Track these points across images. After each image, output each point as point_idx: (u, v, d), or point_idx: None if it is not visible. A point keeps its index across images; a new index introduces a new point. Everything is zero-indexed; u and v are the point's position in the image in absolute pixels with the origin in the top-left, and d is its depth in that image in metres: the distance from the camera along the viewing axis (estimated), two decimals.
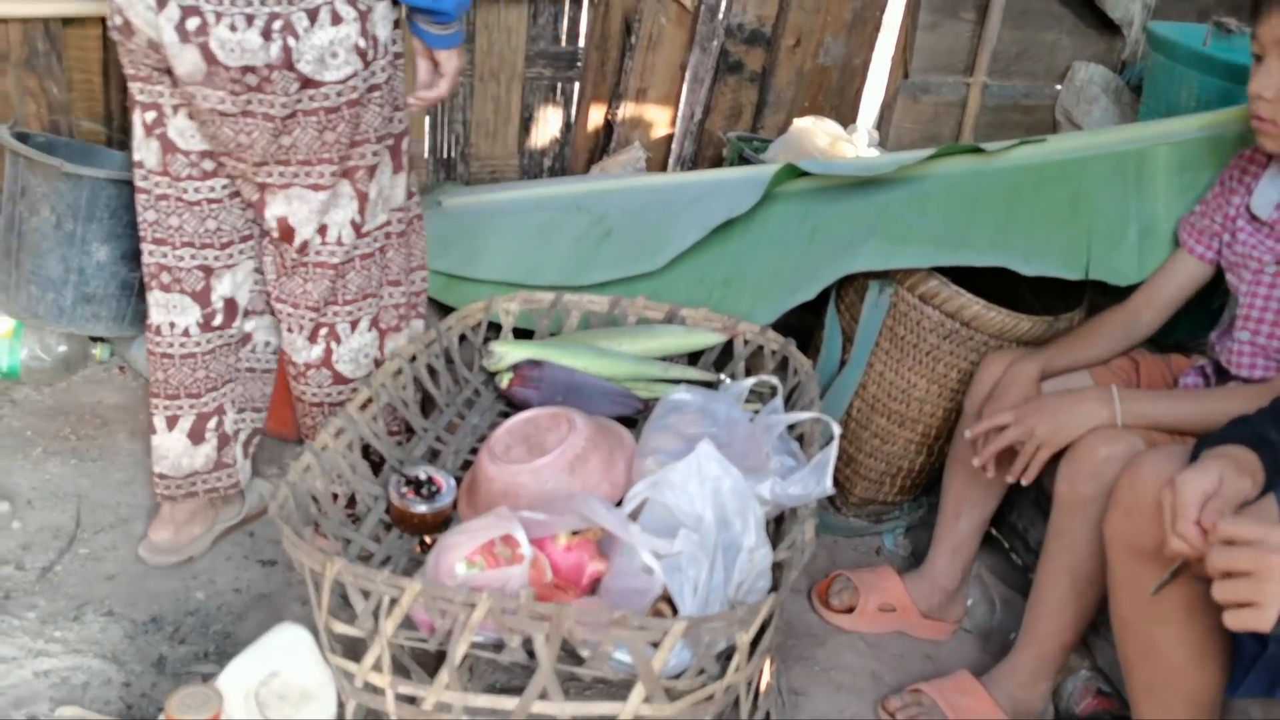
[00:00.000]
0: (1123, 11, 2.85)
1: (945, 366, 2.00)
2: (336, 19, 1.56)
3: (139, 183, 1.76)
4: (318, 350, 1.83)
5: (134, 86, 1.69)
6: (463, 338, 1.97)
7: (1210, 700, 1.42)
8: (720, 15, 2.88)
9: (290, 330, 1.84)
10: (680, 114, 3.01)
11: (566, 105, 2.96)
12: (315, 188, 1.68)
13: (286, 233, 1.73)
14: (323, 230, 1.74)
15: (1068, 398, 1.65)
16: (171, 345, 1.83)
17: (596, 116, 3.00)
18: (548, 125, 2.96)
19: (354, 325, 1.83)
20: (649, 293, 2.13)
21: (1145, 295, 1.84)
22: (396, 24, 1.68)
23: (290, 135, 1.62)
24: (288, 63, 1.55)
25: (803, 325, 2.17)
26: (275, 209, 1.71)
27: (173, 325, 1.82)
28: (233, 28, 1.52)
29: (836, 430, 1.52)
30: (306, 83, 1.57)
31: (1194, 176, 1.94)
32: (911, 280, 1.96)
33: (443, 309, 2.31)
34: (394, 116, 1.74)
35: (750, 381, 1.78)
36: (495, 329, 2.01)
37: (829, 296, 2.14)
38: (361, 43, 1.59)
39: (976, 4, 2.87)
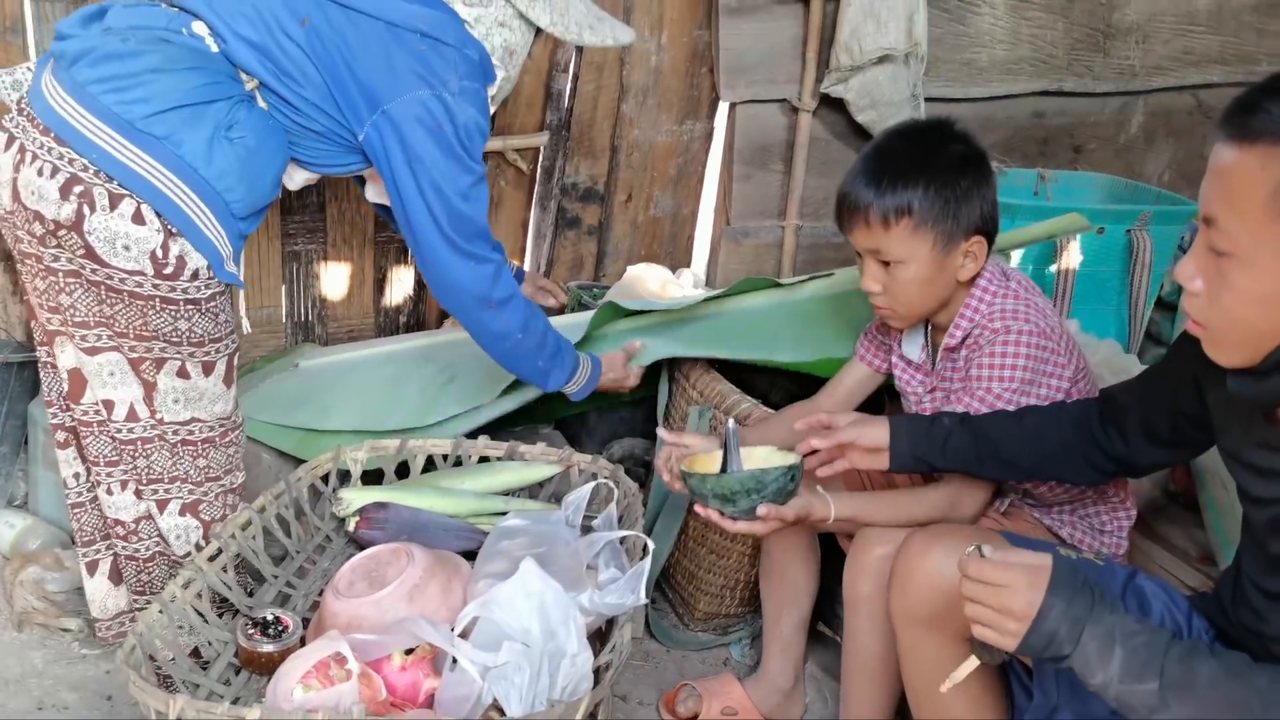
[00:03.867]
0: None
1: None
2: (139, 218, 1.63)
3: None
4: (144, 505, 1.87)
5: (17, 258, 1.80)
6: (317, 490, 2.08)
7: None
8: (555, 177, 3.14)
9: (111, 492, 1.87)
10: (526, 267, 3.22)
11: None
12: (92, 351, 1.73)
13: (76, 386, 1.79)
14: (108, 405, 1.77)
15: None
16: (80, 494, 1.95)
17: None
18: (401, 284, 3.13)
19: (161, 506, 1.86)
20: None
21: (827, 394, 2.07)
22: (217, 294, 1.77)
23: (70, 295, 1.69)
24: (78, 227, 1.62)
25: (640, 452, 2.35)
26: (64, 360, 1.79)
27: (77, 476, 1.95)
28: (39, 173, 1.62)
29: (651, 546, 1.69)
30: (91, 254, 1.64)
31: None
32: (727, 404, 2.17)
33: (298, 464, 2.41)
34: (207, 337, 1.77)
35: (572, 498, 1.92)
36: (349, 478, 2.13)
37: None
38: (160, 254, 1.65)
39: (783, 157, 3.19)
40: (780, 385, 2.56)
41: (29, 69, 1.76)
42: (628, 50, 3.01)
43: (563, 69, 3.02)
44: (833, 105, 3.10)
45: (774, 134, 3.18)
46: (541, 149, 3.09)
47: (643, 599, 1.57)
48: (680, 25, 3.05)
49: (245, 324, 1.99)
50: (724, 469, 1.69)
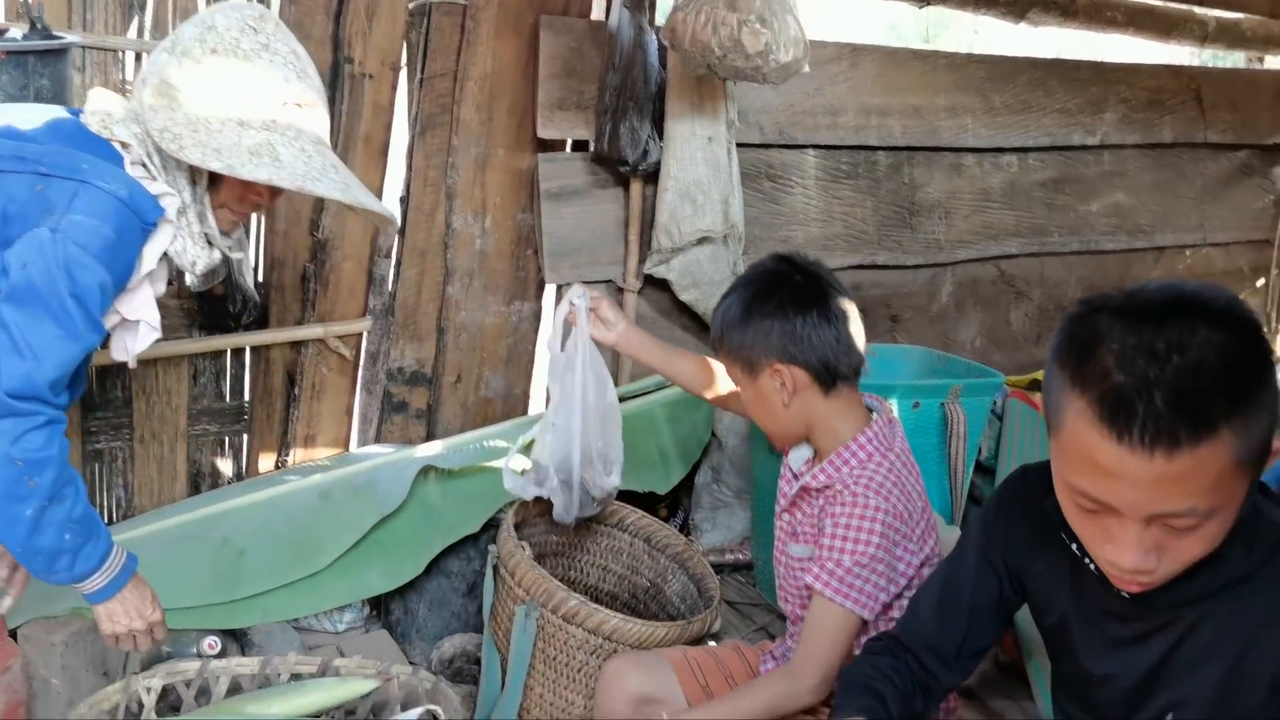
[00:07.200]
0: None
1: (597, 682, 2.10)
2: None
3: None
4: None
5: None
6: None
7: None
8: (380, 361, 3.07)
9: None
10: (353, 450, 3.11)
11: (236, 457, 2.99)
12: None
13: None
14: None
15: None
16: None
17: (267, 463, 3.04)
18: (217, 477, 2.97)
19: None
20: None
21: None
22: None
23: None
24: None
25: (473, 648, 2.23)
26: None
27: None
28: None
29: None
30: None
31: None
32: (554, 602, 2.08)
33: (96, 689, 2.19)
34: None
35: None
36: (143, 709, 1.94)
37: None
38: None
39: None
40: (613, 572, 2.50)
41: None
42: (452, 235, 3.02)
43: (385, 255, 3.00)
44: (657, 284, 3.16)
45: None
46: (365, 334, 3.03)
47: None
48: (504, 209, 3.09)
49: None
50: None
